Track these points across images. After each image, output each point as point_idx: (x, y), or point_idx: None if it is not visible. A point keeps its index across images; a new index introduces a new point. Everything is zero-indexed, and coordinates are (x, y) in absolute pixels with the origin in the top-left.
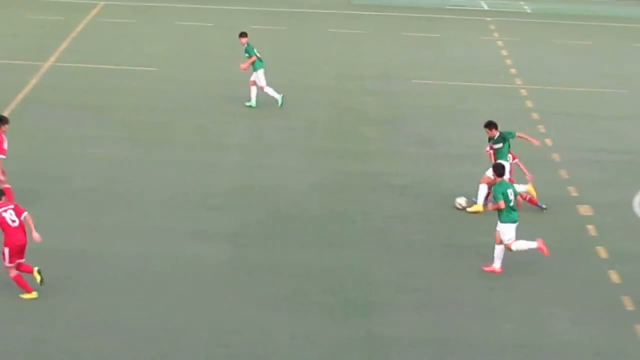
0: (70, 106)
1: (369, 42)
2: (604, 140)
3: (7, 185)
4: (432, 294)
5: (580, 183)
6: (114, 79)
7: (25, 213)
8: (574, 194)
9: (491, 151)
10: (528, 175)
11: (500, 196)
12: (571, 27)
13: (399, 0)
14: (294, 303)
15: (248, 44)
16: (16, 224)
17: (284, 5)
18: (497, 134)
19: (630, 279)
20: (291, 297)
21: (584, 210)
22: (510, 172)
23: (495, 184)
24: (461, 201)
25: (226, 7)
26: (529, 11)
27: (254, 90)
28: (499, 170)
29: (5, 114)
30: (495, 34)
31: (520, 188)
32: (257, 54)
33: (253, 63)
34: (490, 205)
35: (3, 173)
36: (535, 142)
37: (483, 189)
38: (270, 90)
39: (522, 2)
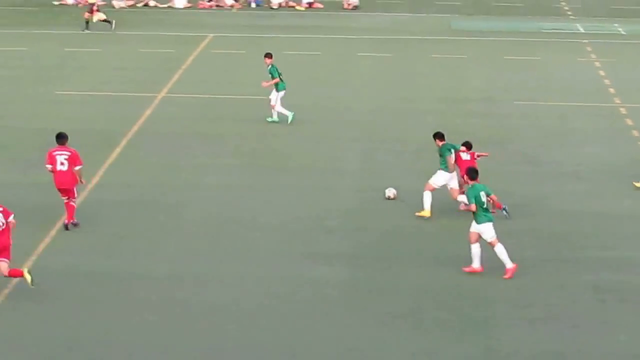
0: (184, 135)
1: (471, 65)
2: None
3: None
4: (546, 308)
5: None
6: (225, 108)
7: (12, 217)
8: None
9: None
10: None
11: (473, 200)
12: None
13: (497, 25)
14: (413, 321)
15: (272, 65)
16: (3, 227)
17: (388, 32)
18: (441, 144)
19: None
20: (409, 315)
21: None
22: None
23: (468, 187)
24: (390, 193)
25: (332, 36)
26: (623, 33)
27: (281, 109)
28: (471, 174)
29: (122, 144)
30: (592, 56)
31: (461, 198)
32: (281, 76)
33: (276, 84)
34: (463, 206)
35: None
36: (485, 154)
37: (427, 196)
38: (281, 109)
39: (616, 25)
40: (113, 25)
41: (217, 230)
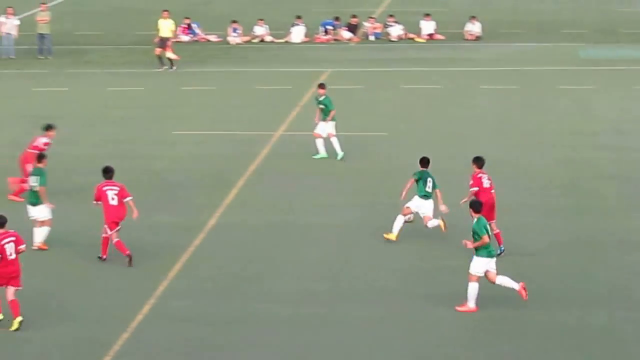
0: (302, 174)
1: (600, 96)
2: None
3: None
4: None
5: None
6: (344, 145)
7: (23, 246)
8: None
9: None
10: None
11: (484, 230)
12: None
13: (627, 54)
14: None
15: (327, 96)
16: (13, 257)
17: (512, 63)
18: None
19: None
20: (535, 356)
21: None
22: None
23: (474, 221)
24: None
25: (454, 69)
26: None
27: (335, 142)
28: (476, 207)
29: (238, 185)
30: None
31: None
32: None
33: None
34: (470, 244)
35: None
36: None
37: (399, 220)
38: (335, 143)
39: None
40: (174, 67)
41: (338, 270)
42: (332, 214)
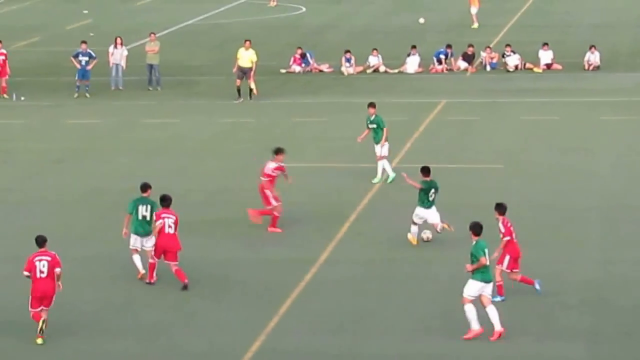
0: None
1: None
2: None
3: None
4: None
5: None
6: (459, 177)
7: (59, 269)
8: None
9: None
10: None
11: (482, 252)
12: None
13: None
14: None
15: (377, 115)
16: (44, 275)
17: (633, 94)
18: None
19: None
20: None
21: None
22: None
23: (473, 243)
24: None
25: (572, 99)
26: None
27: (385, 164)
28: (476, 229)
29: (351, 219)
30: None
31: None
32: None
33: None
34: (469, 267)
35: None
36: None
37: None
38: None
39: None
40: (252, 99)
41: (451, 307)
42: (444, 247)
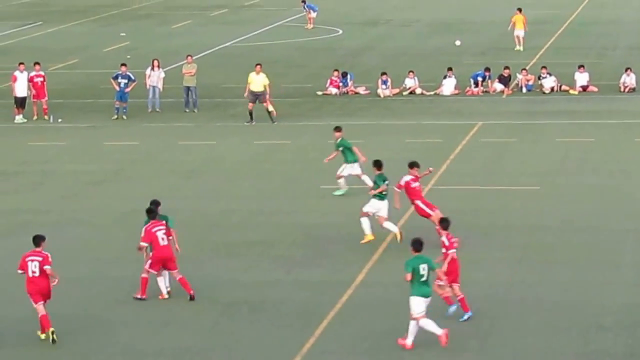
0: (453, 231)
1: None
2: None
3: None
4: None
5: None
6: (496, 199)
7: (48, 267)
8: None
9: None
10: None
11: (410, 269)
12: None
13: None
14: None
15: (344, 139)
16: (36, 274)
17: None
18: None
19: None
20: None
21: None
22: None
23: (410, 257)
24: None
25: (608, 121)
26: None
27: (341, 182)
28: (415, 245)
29: (388, 239)
30: None
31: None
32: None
33: (347, 155)
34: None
35: None
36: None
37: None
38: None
39: None
40: (273, 120)
41: (488, 329)
42: (478, 269)
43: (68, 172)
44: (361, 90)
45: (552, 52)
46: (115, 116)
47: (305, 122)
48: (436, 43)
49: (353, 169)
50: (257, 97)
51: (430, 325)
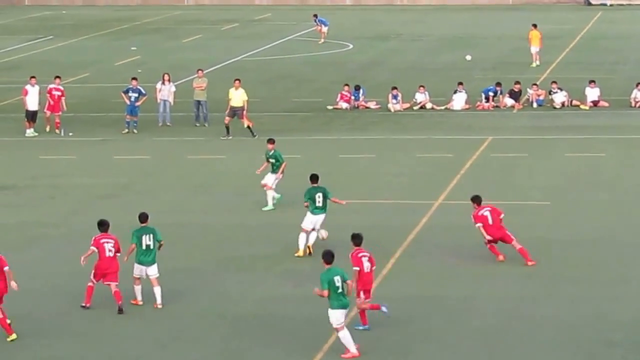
0: (461, 246)
1: None
2: None
3: None
4: None
5: None
6: (507, 214)
7: (7, 267)
8: None
9: None
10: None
11: (326, 285)
12: None
13: None
14: None
15: (276, 150)
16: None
17: None
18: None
19: None
20: None
21: None
22: None
23: (324, 271)
24: (324, 234)
25: (619, 136)
26: None
27: (269, 194)
28: (327, 257)
29: (396, 255)
30: None
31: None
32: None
33: (275, 166)
34: (316, 290)
35: None
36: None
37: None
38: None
39: None
40: (254, 135)
41: (495, 342)
42: (488, 284)
43: (78, 185)
44: (372, 104)
45: (562, 67)
46: (126, 130)
47: (316, 136)
48: (447, 58)
49: (269, 177)
50: (235, 112)
51: (346, 339)
